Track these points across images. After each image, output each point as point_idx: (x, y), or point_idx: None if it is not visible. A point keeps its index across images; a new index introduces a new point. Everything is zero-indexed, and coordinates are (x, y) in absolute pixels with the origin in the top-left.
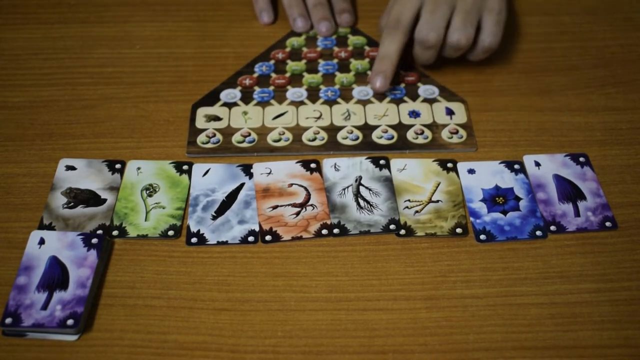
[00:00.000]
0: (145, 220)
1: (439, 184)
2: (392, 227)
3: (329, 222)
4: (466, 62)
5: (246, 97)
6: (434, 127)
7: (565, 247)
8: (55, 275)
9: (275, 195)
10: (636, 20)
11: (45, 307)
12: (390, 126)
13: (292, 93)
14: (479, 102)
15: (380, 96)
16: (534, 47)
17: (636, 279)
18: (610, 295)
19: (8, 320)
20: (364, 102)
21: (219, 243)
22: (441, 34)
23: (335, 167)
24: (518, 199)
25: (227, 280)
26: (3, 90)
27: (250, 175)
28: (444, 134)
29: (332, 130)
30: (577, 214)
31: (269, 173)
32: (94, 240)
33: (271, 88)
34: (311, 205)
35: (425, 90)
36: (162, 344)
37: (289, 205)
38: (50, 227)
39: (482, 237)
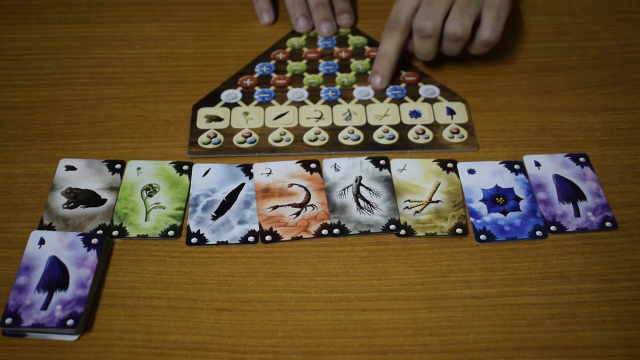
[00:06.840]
0: (145, 220)
1: (439, 184)
2: (392, 227)
3: (329, 222)
4: (466, 62)
5: (247, 98)
6: (435, 127)
7: (565, 247)
8: (55, 276)
9: (275, 195)
10: (636, 20)
11: (45, 307)
12: (391, 126)
13: (293, 93)
14: (479, 102)
15: (381, 96)
16: (534, 47)
17: (636, 279)
18: (610, 295)
19: (8, 320)
20: (364, 102)
21: (219, 243)
22: (438, 24)
23: (335, 167)
24: (518, 199)
25: (227, 280)
26: (3, 90)
27: (250, 176)
28: (445, 134)
29: (333, 130)
30: (577, 214)
31: (269, 173)
32: (94, 241)
33: (272, 88)
34: (311, 205)
35: (426, 90)
36: (162, 344)
37: (289, 205)
38: (50, 227)
39: (482, 237)
